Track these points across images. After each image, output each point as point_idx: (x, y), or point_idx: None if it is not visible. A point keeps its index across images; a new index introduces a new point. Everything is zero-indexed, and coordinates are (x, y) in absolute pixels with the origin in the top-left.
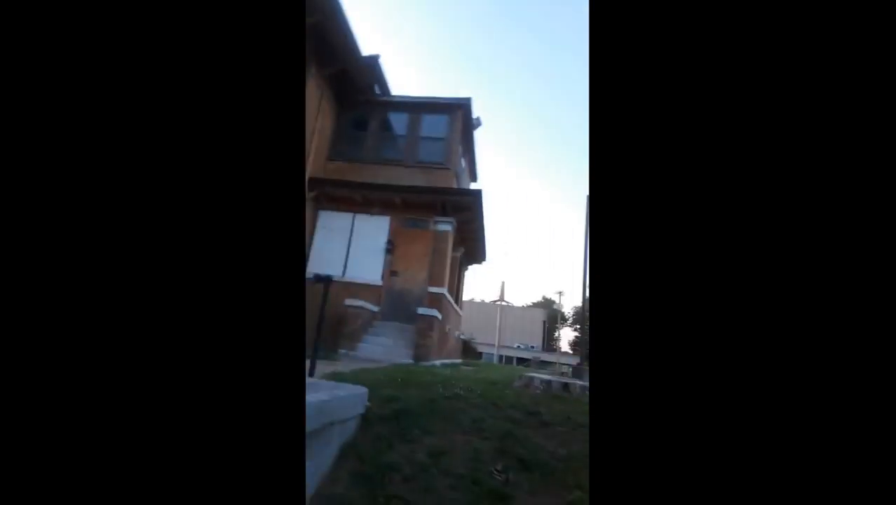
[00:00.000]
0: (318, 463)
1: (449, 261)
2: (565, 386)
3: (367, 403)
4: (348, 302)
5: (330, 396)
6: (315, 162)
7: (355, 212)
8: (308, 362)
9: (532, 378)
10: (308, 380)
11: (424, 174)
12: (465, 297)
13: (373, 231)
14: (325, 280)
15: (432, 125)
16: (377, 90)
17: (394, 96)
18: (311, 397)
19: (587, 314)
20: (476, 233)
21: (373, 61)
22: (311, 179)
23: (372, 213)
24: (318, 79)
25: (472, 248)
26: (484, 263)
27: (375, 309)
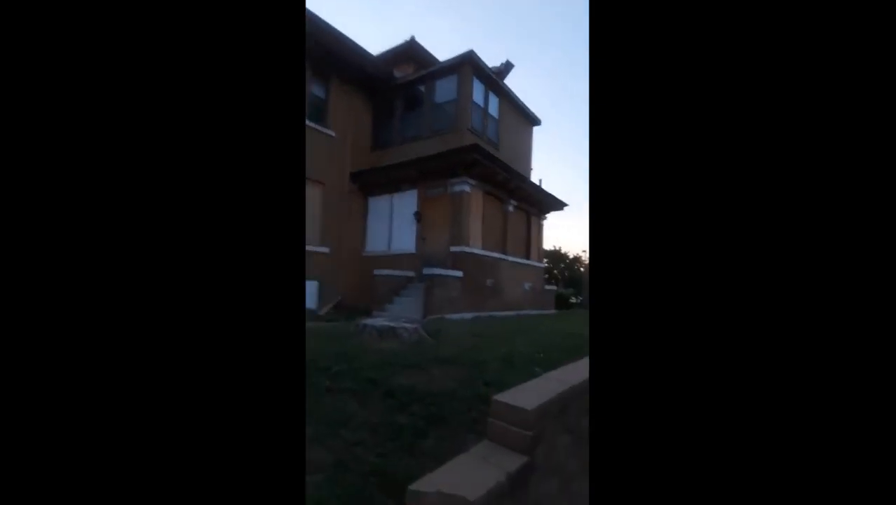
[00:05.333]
0: None
1: (476, 217)
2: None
3: None
4: (376, 272)
5: None
6: (358, 155)
7: (392, 192)
8: None
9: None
10: None
11: (441, 141)
12: None
13: (406, 206)
14: None
15: (444, 90)
16: (397, 74)
17: (410, 74)
18: None
19: None
20: (514, 182)
21: (406, 46)
22: (352, 174)
23: (404, 191)
24: (342, 85)
25: (527, 197)
26: (565, 209)
27: (411, 274)
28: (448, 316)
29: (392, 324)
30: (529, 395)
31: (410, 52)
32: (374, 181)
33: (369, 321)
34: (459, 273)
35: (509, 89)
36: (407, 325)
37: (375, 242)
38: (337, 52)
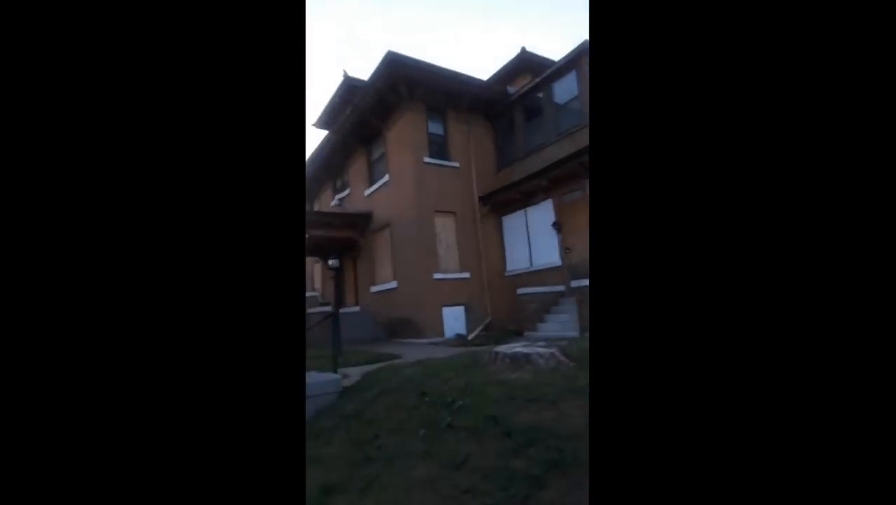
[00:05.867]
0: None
1: None
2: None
3: (342, 386)
4: (519, 291)
5: (311, 381)
6: (484, 179)
7: (525, 207)
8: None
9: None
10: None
11: (570, 142)
12: None
13: (542, 218)
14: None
15: (563, 89)
16: (512, 90)
17: (525, 86)
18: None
19: None
20: None
21: (518, 59)
22: (481, 197)
23: (537, 203)
24: (458, 116)
25: None
26: None
27: (560, 288)
28: None
29: (526, 350)
30: None
31: (524, 64)
32: (504, 199)
33: (502, 348)
34: None
35: None
36: (542, 350)
37: (516, 261)
38: (447, 89)
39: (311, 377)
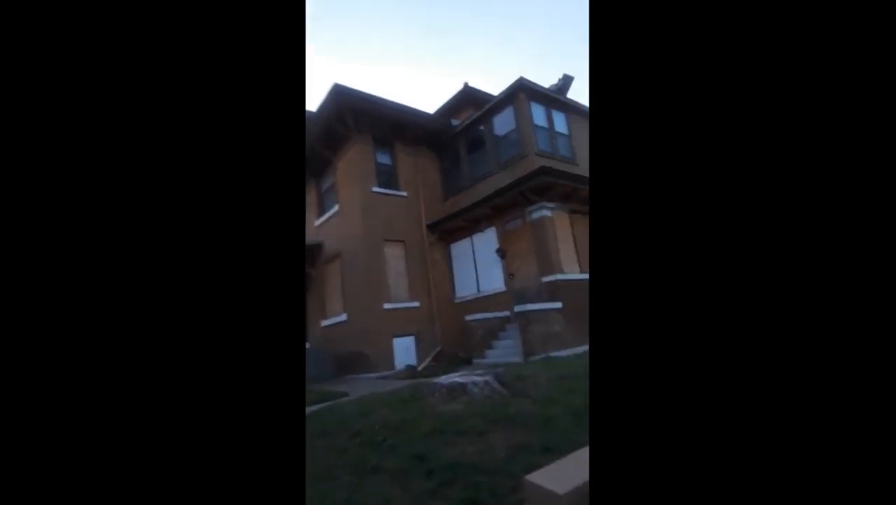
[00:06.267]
0: None
1: (565, 240)
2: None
3: None
4: (467, 318)
5: None
6: (431, 208)
7: (472, 234)
8: None
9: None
10: None
11: (511, 172)
12: None
13: (488, 245)
14: None
15: (503, 123)
16: (454, 122)
17: (467, 119)
18: None
19: None
20: None
21: (462, 94)
22: (429, 225)
23: (482, 230)
24: (405, 147)
25: None
26: None
27: (506, 314)
28: (554, 354)
29: (462, 380)
30: (575, 468)
31: (467, 98)
32: (451, 227)
33: (441, 379)
34: (558, 304)
35: (575, 102)
36: (478, 378)
37: (464, 287)
38: (393, 120)
39: None
